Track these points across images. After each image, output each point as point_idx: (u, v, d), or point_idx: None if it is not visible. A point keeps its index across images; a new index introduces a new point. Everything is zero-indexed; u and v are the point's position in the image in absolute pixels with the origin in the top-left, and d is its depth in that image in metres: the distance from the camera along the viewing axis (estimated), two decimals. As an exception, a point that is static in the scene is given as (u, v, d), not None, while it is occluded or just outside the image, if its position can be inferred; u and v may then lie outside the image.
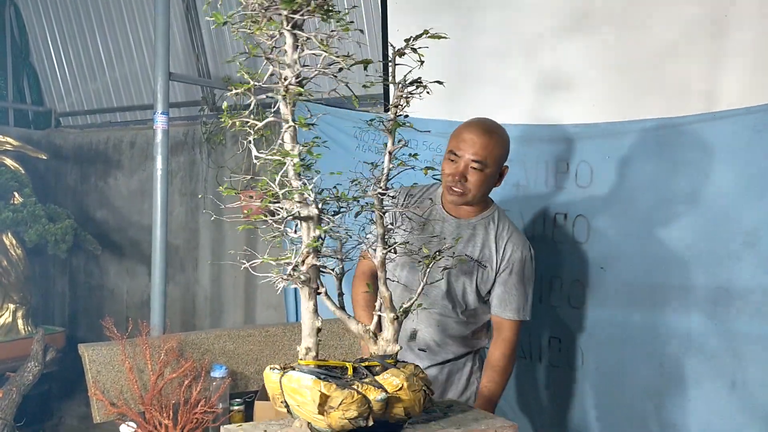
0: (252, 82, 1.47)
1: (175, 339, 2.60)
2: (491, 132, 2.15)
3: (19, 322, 4.61)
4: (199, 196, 4.66)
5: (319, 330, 1.59)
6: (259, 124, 1.50)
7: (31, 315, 4.74)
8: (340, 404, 1.48)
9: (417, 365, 1.61)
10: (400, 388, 1.53)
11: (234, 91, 1.48)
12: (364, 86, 1.48)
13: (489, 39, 2.93)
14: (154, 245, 3.45)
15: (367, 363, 1.61)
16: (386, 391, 1.52)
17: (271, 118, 1.49)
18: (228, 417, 2.48)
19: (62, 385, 4.66)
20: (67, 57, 5.63)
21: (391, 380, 1.54)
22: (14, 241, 4.59)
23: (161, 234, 3.44)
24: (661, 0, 2.46)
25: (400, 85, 1.57)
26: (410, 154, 1.62)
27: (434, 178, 2.20)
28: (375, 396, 1.51)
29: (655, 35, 2.48)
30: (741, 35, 2.30)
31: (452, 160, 2.15)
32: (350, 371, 1.60)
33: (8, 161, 4.70)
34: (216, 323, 4.76)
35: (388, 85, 3.15)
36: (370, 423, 1.49)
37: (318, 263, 1.56)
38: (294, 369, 1.57)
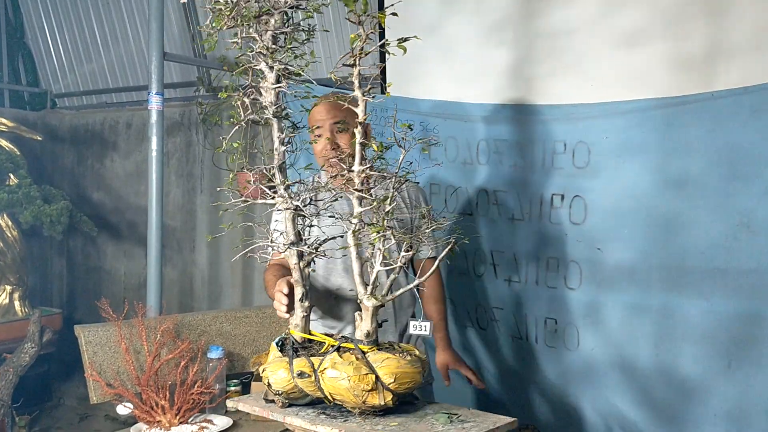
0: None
1: (172, 320, 2.60)
2: (334, 98, 2.22)
3: (16, 303, 4.61)
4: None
5: (302, 299, 1.61)
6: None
7: (28, 296, 4.73)
8: (264, 369, 1.59)
9: (398, 358, 1.56)
10: (322, 371, 1.54)
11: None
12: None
13: (482, 17, 2.90)
14: (149, 226, 3.44)
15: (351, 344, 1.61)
16: (312, 369, 1.56)
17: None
18: (224, 398, 2.48)
19: (60, 366, 4.67)
20: (62, 37, 5.59)
21: (324, 361, 1.56)
22: (10, 223, 4.57)
23: (156, 215, 3.43)
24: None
25: (355, 50, 1.56)
26: (403, 124, 1.62)
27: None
28: (296, 371, 1.55)
29: (653, 14, 2.46)
30: (740, 15, 2.28)
31: (318, 135, 2.23)
32: (325, 348, 1.61)
33: (3, 142, 4.67)
34: (214, 305, 4.76)
35: (385, 67, 3.13)
36: (279, 398, 1.59)
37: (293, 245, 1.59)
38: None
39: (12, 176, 4.65)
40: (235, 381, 2.57)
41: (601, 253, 2.59)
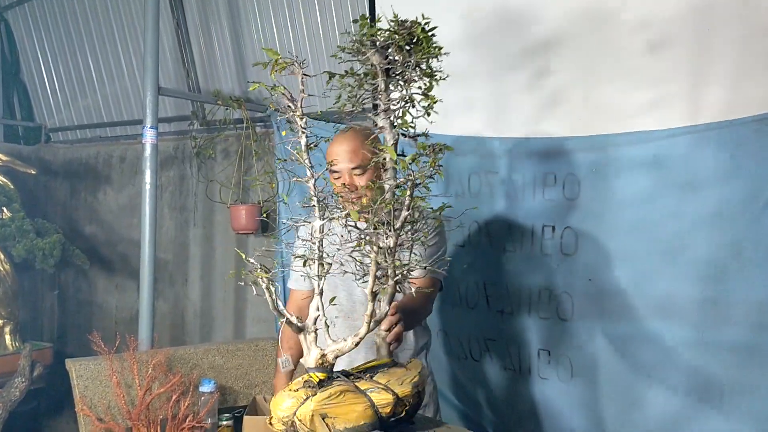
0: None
1: (163, 354, 2.59)
2: (355, 138, 2.21)
3: (7, 337, 4.57)
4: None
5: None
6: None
7: (19, 330, 4.70)
8: None
9: (286, 391, 1.58)
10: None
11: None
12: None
13: (471, 53, 2.95)
14: (142, 260, 3.44)
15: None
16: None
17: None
18: (216, 432, 2.46)
19: (50, 401, 4.62)
20: (57, 72, 5.63)
21: None
22: (2, 256, 4.56)
23: (149, 248, 3.43)
24: (645, 14, 2.49)
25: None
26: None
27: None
28: None
29: (639, 49, 2.51)
30: (724, 49, 2.33)
31: (336, 176, 2.21)
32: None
33: (-3, 176, 4.70)
34: (206, 338, 4.74)
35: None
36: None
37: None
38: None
39: (5, 210, 4.65)
40: (227, 415, 2.55)
41: (593, 284, 2.61)
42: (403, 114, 1.66)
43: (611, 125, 2.55)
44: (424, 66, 1.64)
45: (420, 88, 1.66)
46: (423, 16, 1.63)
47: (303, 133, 1.60)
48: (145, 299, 3.42)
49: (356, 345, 1.56)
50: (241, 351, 2.86)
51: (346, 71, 1.67)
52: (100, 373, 2.52)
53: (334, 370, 1.61)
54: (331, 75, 1.64)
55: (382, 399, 1.50)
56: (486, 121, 2.91)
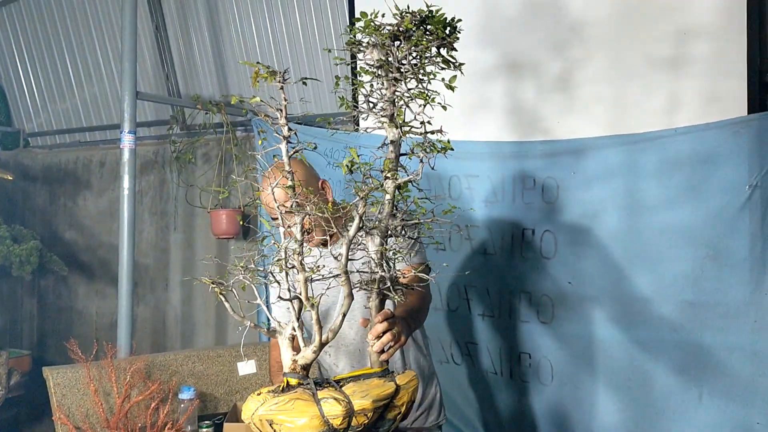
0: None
1: (142, 360, 2.57)
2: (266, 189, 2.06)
3: (-16, 346, 4.52)
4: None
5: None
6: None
7: (-3, 338, 4.65)
8: None
9: (252, 396, 1.53)
10: None
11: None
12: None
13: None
14: (120, 265, 3.41)
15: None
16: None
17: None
18: (196, 439, 2.44)
19: (29, 409, 4.56)
20: (36, 77, 5.58)
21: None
22: (-22, 264, 4.51)
23: (128, 254, 3.40)
24: (622, 19, 2.51)
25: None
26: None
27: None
28: None
29: (616, 53, 2.53)
30: (701, 52, 2.35)
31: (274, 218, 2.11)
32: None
33: (-26, 182, 4.64)
34: (187, 344, 4.70)
35: (356, 101, 3.17)
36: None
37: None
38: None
39: (-19, 216, 4.60)
40: (207, 422, 2.53)
41: (572, 286, 2.62)
42: (400, 111, 1.65)
43: (590, 129, 2.57)
44: (443, 53, 1.62)
45: (426, 79, 1.63)
46: (427, 5, 1.59)
47: (285, 140, 1.58)
48: (124, 306, 3.40)
49: (316, 354, 1.54)
50: (221, 357, 2.84)
51: (353, 70, 1.65)
52: (77, 381, 2.50)
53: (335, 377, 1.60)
54: (338, 78, 1.63)
55: (332, 410, 1.46)
56: (463, 125, 2.91)
